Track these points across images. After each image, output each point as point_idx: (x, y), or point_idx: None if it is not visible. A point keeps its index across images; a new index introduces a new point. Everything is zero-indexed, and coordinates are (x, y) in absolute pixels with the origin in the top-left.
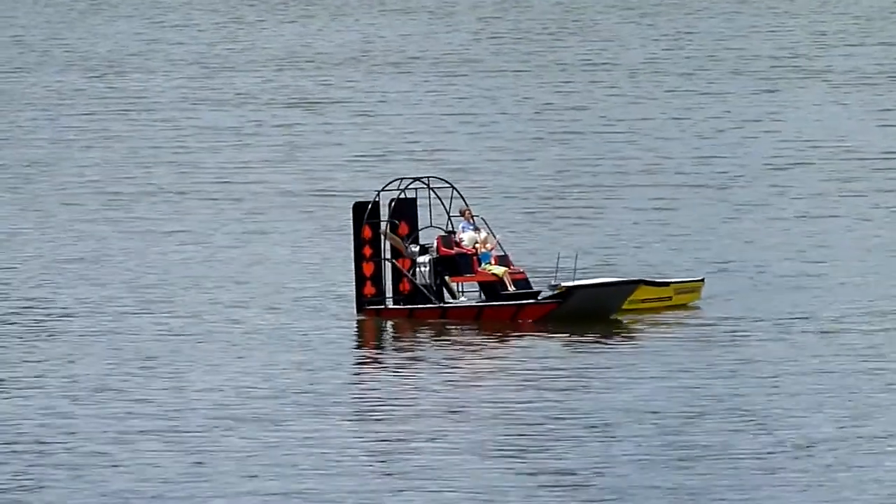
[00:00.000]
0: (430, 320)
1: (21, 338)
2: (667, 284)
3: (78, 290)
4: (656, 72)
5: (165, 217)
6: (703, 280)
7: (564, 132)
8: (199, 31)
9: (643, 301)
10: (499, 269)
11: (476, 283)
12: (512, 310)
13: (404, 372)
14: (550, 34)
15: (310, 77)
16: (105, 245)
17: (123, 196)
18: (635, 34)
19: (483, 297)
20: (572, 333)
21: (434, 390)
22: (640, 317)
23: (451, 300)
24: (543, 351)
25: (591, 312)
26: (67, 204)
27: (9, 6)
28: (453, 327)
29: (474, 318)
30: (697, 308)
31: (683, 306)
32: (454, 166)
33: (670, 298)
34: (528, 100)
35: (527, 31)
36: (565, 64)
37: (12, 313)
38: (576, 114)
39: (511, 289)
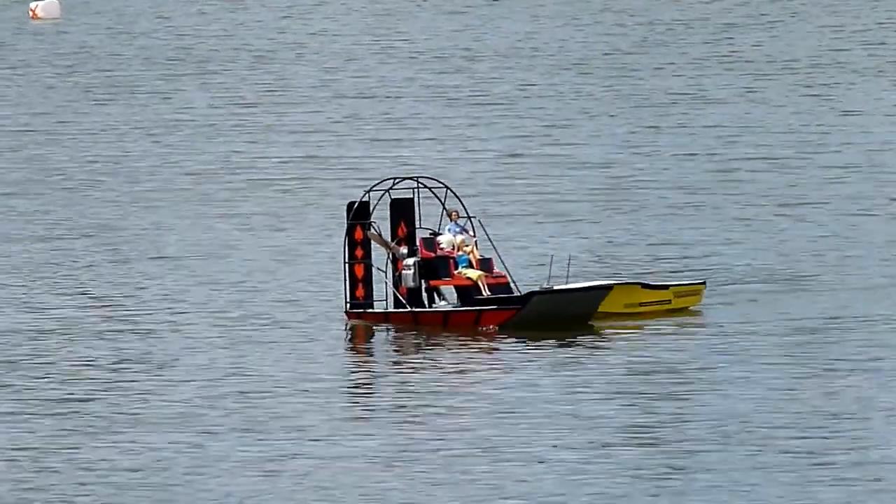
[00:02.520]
0: (403, 326)
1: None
2: (665, 287)
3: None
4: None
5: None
6: (704, 283)
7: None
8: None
9: (641, 305)
10: (473, 273)
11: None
12: (473, 315)
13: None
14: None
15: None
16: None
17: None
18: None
19: (458, 301)
20: (532, 339)
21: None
22: (634, 322)
23: (441, 304)
24: (502, 357)
25: (554, 318)
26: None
27: None
28: (421, 333)
29: (442, 324)
30: (699, 312)
31: (684, 310)
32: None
33: (669, 302)
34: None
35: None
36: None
37: None
38: (584, 113)
39: (485, 293)
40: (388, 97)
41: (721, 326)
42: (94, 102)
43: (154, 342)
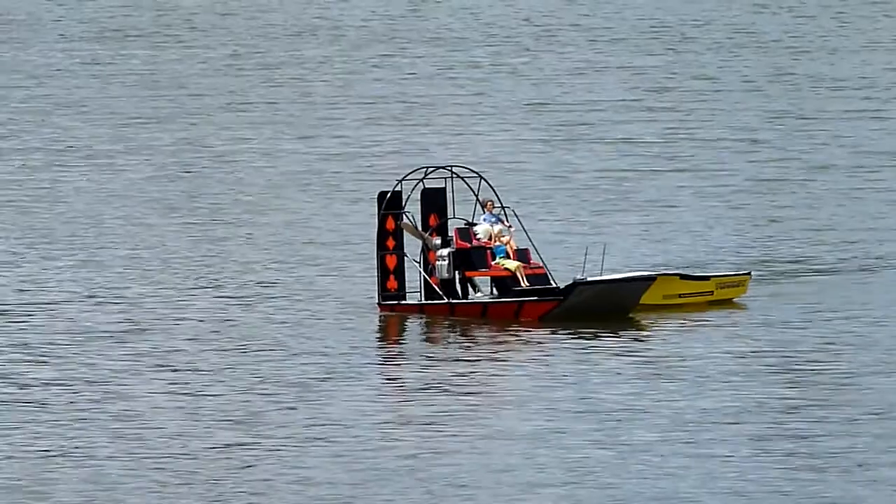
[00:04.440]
0: (439, 317)
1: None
2: (707, 279)
3: (78, 274)
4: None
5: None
6: (749, 274)
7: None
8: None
9: (680, 296)
10: (512, 264)
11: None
12: (514, 307)
13: (404, 369)
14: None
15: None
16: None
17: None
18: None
19: (495, 292)
20: (577, 332)
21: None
22: (671, 314)
23: (476, 295)
24: (546, 349)
25: (597, 310)
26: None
27: None
28: (458, 325)
29: (480, 315)
30: (743, 305)
31: (727, 302)
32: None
33: (712, 293)
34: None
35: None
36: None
37: None
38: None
39: (524, 284)
40: (420, 85)
41: (766, 319)
42: None
43: (183, 336)
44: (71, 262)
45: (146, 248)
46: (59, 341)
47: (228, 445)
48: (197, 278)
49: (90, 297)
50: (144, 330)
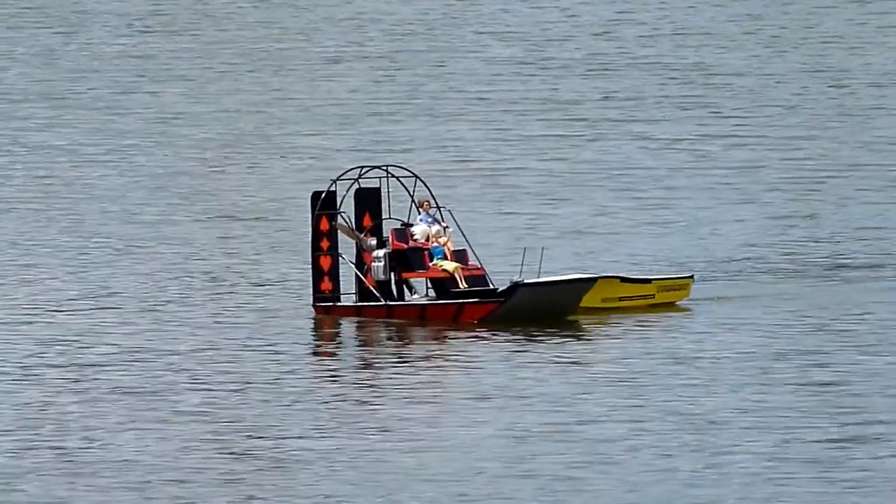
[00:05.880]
0: (376, 319)
1: None
2: (648, 282)
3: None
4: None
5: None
6: (692, 277)
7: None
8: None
9: (620, 299)
10: (450, 266)
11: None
12: (453, 309)
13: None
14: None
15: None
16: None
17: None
18: None
19: (432, 294)
20: (514, 334)
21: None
22: (610, 317)
23: (413, 297)
24: (485, 351)
25: (537, 312)
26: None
27: None
28: (396, 328)
29: (418, 318)
30: (686, 308)
31: (669, 305)
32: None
33: (653, 296)
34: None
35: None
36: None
37: None
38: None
39: (462, 286)
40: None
41: (708, 323)
42: None
43: (113, 339)
44: None
45: (80, 252)
46: None
47: (149, 447)
48: (126, 280)
49: None
50: (67, 338)
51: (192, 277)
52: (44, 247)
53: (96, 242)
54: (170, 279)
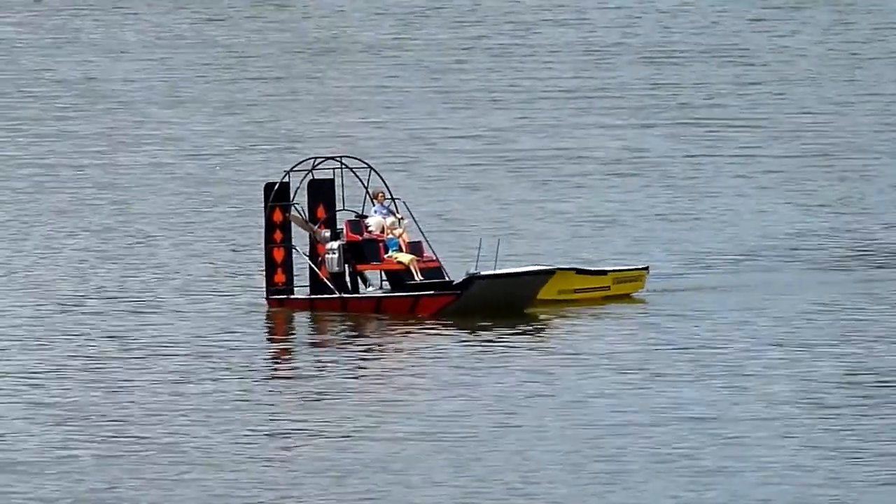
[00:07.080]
0: (331, 312)
1: None
2: (604, 273)
3: None
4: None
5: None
6: (647, 268)
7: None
8: None
9: (576, 291)
10: (405, 258)
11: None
12: (409, 301)
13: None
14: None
15: None
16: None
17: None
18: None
19: (388, 286)
20: (470, 326)
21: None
22: (565, 309)
23: (368, 289)
24: (442, 344)
25: (494, 305)
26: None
27: None
28: (351, 320)
29: (374, 310)
30: (642, 300)
31: (625, 297)
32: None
33: (608, 288)
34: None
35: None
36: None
37: None
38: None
39: (418, 278)
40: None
41: (661, 315)
42: None
43: (64, 338)
44: None
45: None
46: None
47: (103, 445)
48: (79, 278)
49: None
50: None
51: (141, 271)
52: None
53: (39, 235)
54: (121, 274)
